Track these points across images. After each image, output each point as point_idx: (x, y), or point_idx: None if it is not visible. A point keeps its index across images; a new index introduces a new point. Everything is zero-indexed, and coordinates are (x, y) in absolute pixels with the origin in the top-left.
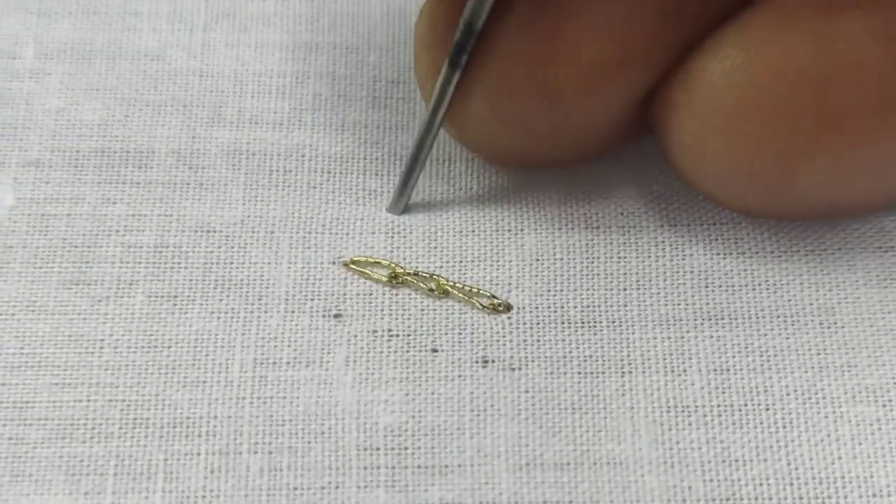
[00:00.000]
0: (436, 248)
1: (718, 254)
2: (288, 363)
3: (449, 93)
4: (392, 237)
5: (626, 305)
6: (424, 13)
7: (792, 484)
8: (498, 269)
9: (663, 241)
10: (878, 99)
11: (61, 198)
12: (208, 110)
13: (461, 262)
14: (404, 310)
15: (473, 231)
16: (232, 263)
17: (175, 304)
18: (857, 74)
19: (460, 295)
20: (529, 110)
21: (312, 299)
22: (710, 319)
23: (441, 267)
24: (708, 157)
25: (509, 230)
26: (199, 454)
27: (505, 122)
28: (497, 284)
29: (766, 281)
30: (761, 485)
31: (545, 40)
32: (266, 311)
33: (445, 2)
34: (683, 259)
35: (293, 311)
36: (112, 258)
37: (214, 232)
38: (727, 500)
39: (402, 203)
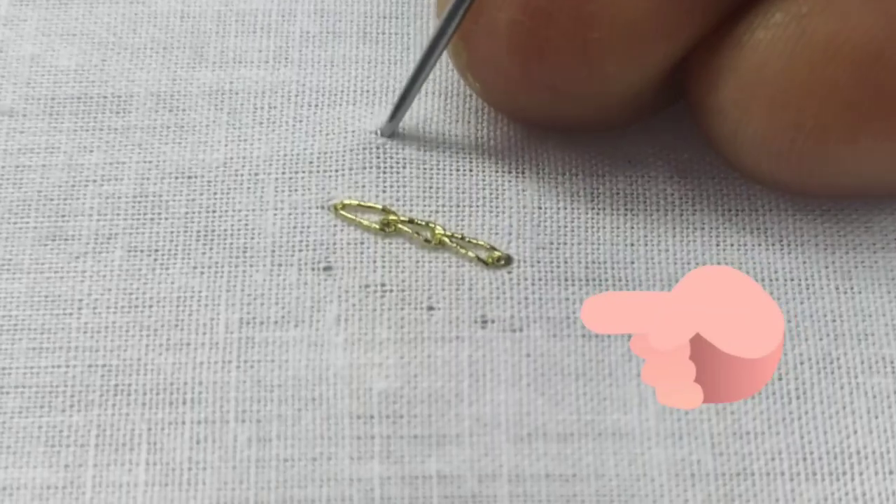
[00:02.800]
0: (431, 188)
1: (730, 209)
2: (276, 322)
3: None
4: (384, 173)
5: (632, 262)
6: None
7: (805, 459)
8: (497, 217)
9: (672, 194)
10: None
11: (36, 148)
12: (189, 52)
13: (458, 206)
14: (398, 262)
15: (472, 171)
16: (215, 212)
17: (156, 260)
18: None
19: (457, 247)
20: (562, 71)
21: (300, 250)
22: None
23: (436, 211)
24: (746, 127)
25: (509, 172)
26: (183, 423)
27: (534, 82)
28: (496, 234)
29: (780, 241)
30: (773, 459)
31: None
32: (252, 265)
33: None
34: (693, 214)
35: (280, 265)
36: (89, 210)
37: (196, 177)
38: (738, 474)
39: (396, 123)
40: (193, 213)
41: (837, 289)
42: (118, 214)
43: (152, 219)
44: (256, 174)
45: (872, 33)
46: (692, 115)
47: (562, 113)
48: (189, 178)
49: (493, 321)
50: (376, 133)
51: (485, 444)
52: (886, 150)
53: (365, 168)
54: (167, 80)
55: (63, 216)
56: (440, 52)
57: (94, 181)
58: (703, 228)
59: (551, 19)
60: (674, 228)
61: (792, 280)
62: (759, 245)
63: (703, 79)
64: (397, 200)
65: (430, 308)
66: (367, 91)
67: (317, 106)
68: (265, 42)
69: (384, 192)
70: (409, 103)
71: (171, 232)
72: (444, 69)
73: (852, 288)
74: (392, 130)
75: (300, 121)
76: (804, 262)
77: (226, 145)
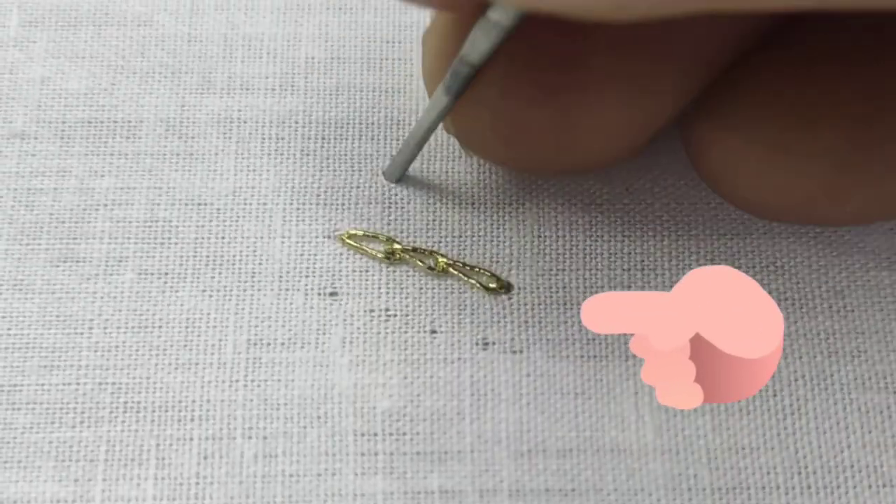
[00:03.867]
0: (434, 220)
1: (724, 234)
2: (282, 344)
3: (441, 118)
4: (389, 208)
5: (629, 287)
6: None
7: (800, 473)
8: (498, 246)
9: (668, 220)
10: None
11: (48, 171)
12: (197, 77)
13: (460, 237)
14: (402, 288)
15: (473, 204)
16: (224, 238)
17: (165, 283)
18: None
19: (460, 274)
20: (539, 149)
21: (307, 276)
22: None
23: (440, 242)
24: (741, 190)
25: (509, 204)
26: (191, 439)
27: (520, 161)
28: (497, 262)
29: (774, 263)
30: (768, 473)
31: (559, 109)
32: (259, 290)
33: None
34: (689, 240)
35: (287, 289)
36: (100, 234)
37: (205, 205)
38: (734, 488)
39: (400, 173)
40: (203, 238)
41: (831, 307)
42: (129, 238)
43: (162, 243)
44: (265, 203)
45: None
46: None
47: (553, 170)
48: (199, 205)
49: (493, 343)
50: (381, 174)
51: (486, 459)
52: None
53: (370, 203)
54: (176, 105)
55: (75, 239)
56: (432, 130)
57: (106, 205)
58: (698, 253)
59: (527, 119)
60: (670, 254)
61: (786, 300)
62: (754, 267)
63: (692, 145)
64: (401, 232)
65: (433, 331)
66: (372, 124)
67: (323, 139)
68: (271, 68)
69: (389, 224)
70: (407, 165)
71: (181, 256)
72: None
73: (845, 307)
74: (394, 178)
75: (307, 154)
76: (798, 283)
77: (235, 175)
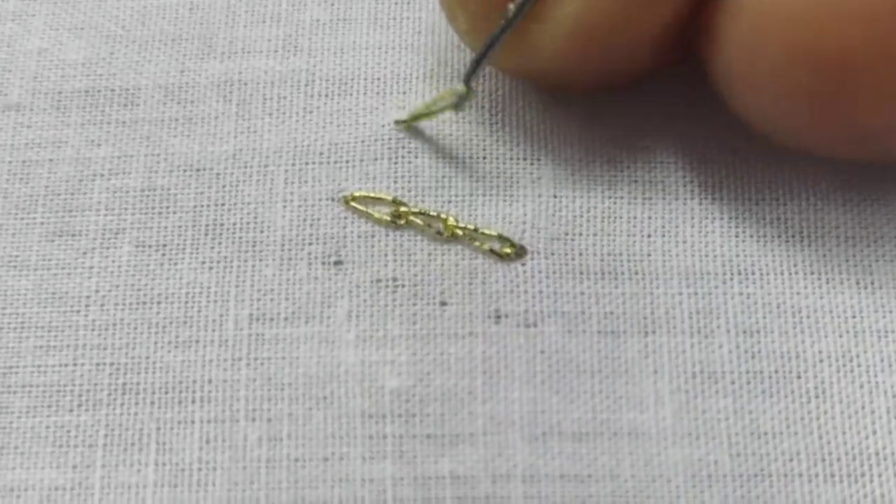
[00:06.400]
0: (443, 177)
1: (750, 199)
2: (286, 319)
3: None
4: (395, 164)
5: (649, 255)
6: None
7: (824, 460)
8: (511, 206)
9: (691, 182)
10: None
11: (43, 142)
12: (198, 42)
13: (471, 195)
14: (409, 255)
15: (485, 159)
16: (223, 205)
17: (164, 255)
18: None
19: (470, 239)
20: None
21: (311, 243)
22: (740, 274)
23: (449, 201)
24: (757, 93)
25: (524, 159)
26: (193, 422)
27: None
28: (510, 223)
29: (801, 232)
30: (791, 460)
31: None
32: (261, 260)
33: None
34: (713, 203)
35: (290, 259)
36: (97, 205)
37: (204, 170)
38: (755, 475)
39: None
40: (202, 206)
41: (858, 283)
42: (126, 209)
43: (160, 213)
44: (266, 166)
45: None
46: (706, 71)
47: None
48: (198, 170)
49: (506, 316)
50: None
51: (499, 443)
52: None
53: (376, 159)
54: (175, 71)
55: (70, 211)
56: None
57: (102, 175)
58: (721, 219)
59: None
60: (692, 219)
61: (812, 274)
62: (779, 237)
63: (708, 42)
64: (409, 191)
65: (443, 303)
66: (379, 79)
67: (327, 96)
68: (275, 31)
69: (395, 182)
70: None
71: (180, 226)
72: (455, 56)
73: (873, 283)
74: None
75: (311, 111)
76: (824, 256)
77: (235, 137)
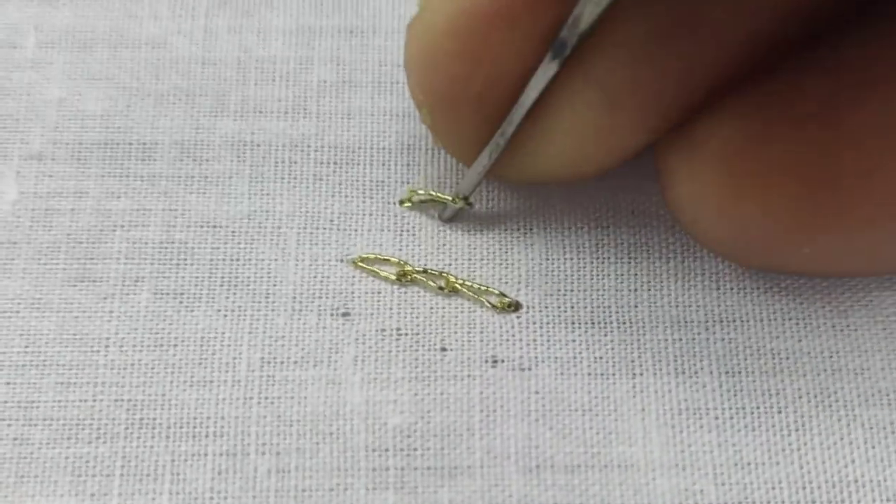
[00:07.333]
0: (444, 245)
1: None
2: (295, 362)
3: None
4: (400, 234)
5: (636, 306)
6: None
7: (805, 488)
8: (507, 268)
9: (674, 242)
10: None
11: (65, 192)
12: (211, 99)
13: (470, 260)
14: (413, 308)
15: (482, 230)
16: (238, 260)
17: (181, 302)
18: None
19: (469, 293)
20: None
21: (320, 297)
22: (722, 322)
23: (450, 265)
24: (706, 222)
25: (518, 229)
26: (206, 455)
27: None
28: (506, 283)
29: (778, 284)
30: (773, 488)
31: None
32: (273, 310)
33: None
34: (694, 261)
35: (301, 310)
36: (117, 254)
37: (220, 227)
38: (739, 503)
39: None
40: (218, 260)
41: (834, 326)
42: (145, 259)
43: (178, 264)
44: (279, 227)
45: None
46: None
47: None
48: (214, 227)
49: (503, 361)
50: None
51: (495, 475)
52: (845, 249)
53: (382, 230)
54: (190, 128)
55: (92, 259)
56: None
57: (122, 226)
58: (703, 274)
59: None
60: (675, 274)
61: (790, 319)
62: (759, 288)
63: (663, 174)
64: (413, 256)
65: (443, 349)
66: (383, 149)
67: (336, 163)
68: (284, 91)
69: (400, 249)
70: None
71: (197, 277)
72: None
73: (848, 325)
74: (470, 191)
75: (320, 179)
76: (802, 303)
77: (249, 198)
